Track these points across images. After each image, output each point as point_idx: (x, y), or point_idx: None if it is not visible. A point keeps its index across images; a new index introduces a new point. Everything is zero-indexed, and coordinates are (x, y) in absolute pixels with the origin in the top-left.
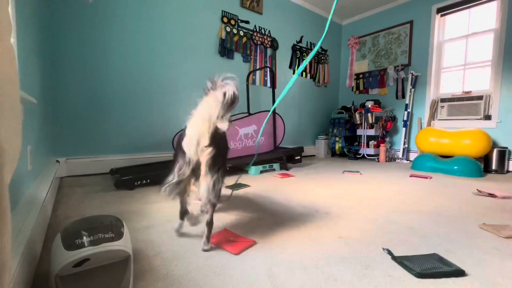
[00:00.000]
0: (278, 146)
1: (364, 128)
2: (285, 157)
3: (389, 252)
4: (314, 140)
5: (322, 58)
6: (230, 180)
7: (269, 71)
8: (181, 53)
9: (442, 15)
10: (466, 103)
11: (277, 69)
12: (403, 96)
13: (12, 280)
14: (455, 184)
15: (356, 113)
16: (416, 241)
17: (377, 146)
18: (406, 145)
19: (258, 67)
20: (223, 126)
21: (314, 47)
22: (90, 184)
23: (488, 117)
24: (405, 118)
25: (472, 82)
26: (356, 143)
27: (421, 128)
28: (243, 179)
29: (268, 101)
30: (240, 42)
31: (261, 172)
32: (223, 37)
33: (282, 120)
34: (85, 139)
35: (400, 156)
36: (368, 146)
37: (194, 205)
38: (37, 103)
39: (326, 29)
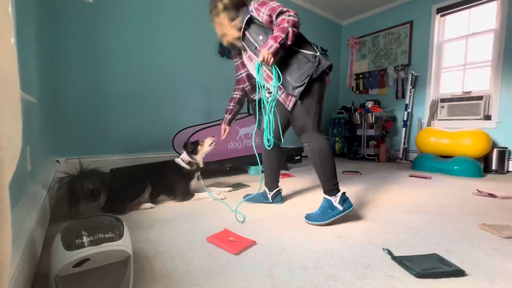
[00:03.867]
0: None
1: (364, 128)
2: (285, 157)
3: (389, 252)
4: None
5: None
6: (230, 180)
7: None
8: (181, 53)
9: (442, 15)
10: (466, 103)
11: None
12: (403, 96)
13: (12, 280)
14: (455, 184)
15: (356, 113)
16: (416, 241)
17: (377, 146)
18: (406, 145)
19: None
20: None
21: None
22: None
23: (488, 117)
24: (405, 118)
25: (472, 82)
26: (356, 143)
27: (421, 128)
28: (242, 179)
29: None
30: None
31: (261, 172)
32: None
33: None
34: (85, 139)
35: (400, 156)
36: (368, 146)
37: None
38: (37, 103)
39: None
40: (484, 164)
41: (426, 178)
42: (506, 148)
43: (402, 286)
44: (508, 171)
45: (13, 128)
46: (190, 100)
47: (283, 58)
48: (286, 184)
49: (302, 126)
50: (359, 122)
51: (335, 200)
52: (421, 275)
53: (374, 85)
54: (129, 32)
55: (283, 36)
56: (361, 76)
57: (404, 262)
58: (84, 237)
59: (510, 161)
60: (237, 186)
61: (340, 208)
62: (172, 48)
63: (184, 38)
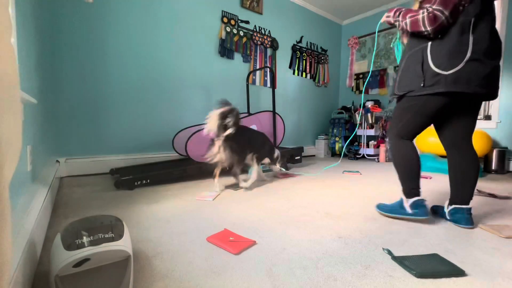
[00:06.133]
0: (278, 146)
1: (364, 128)
2: (286, 157)
3: (389, 252)
4: (314, 140)
5: (322, 58)
6: (230, 180)
7: (269, 71)
8: (181, 53)
9: None
10: None
11: (277, 69)
12: None
13: (12, 280)
14: None
15: (356, 113)
16: (416, 241)
17: (377, 146)
18: None
19: (258, 67)
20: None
21: (314, 47)
22: (90, 184)
23: (488, 117)
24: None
25: None
26: (356, 143)
27: None
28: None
29: (268, 101)
30: (240, 42)
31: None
32: (223, 37)
33: (282, 120)
34: (85, 139)
35: None
36: (368, 146)
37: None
38: (37, 103)
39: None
40: (484, 164)
41: (426, 178)
42: (506, 148)
43: (402, 286)
44: (508, 171)
45: (13, 128)
46: (190, 100)
47: (410, 49)
48: (286, 184)
49: (390, 127)
50: (359, 122)
51: (407, 202)
52: (421, 275)
53: (374, 85)
54: (129, 32)
55: (399, 18)
56: (361, 76)
57: (404, 262)
58: (84, 237)
59: (510, 161)
60: (237, 186)
61: (409, 211)
62: (172, 48)
63: (184, 38)
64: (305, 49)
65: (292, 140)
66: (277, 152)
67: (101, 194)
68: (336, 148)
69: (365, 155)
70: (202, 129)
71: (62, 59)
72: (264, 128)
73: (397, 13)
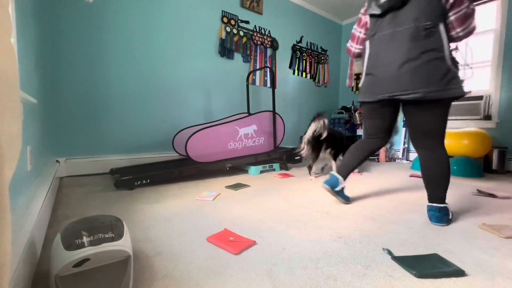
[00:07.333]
0: (278, 146)
1: None
2: (285, 157)
3: (389, 252)
4: None
5: (322, 58)
6: (230, 180)
7: (269, 71)
8: (181, 53)
9: None
10: (466, 103)
11: (277, 69)
12: None
13: (12, 280)
14: (455, 184)
15: (356, 113)
16: (416, 241)
17: None
18: (406, 145)
19: (258, 67)
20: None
21: (314, 47)
22: (90, 184)
23: (488, 117)
24: (405, 118)
25: (472, 82)
26: None
27: None
28: (242, 179)
29: (268, 101)
30: (240, 42)
31: (261, 172)
32: (223, 37)
33: (282, 120)
34: (85, 139)
35: (400, 156)
36: None
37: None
38: (37, 103)
39: None
40: (484, 164)
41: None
42: (506, 148)
43: (402, 286)
44: (508, 171)
45: (13, 128)
46: (190, 100)
47: None
48: (286, 184)
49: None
50: (359, 122)
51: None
52: (421, 275)
53: None
54: (129, 32)
55: None
56: (361, 76)
57: (404, 262)
58: (84, 237)
59: (510, 161)
60: (237, 186)
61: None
62: (172, 48)
63: (184, 38)
64: (305, 49)
65: (292, 140)
66: None
67: (101, 194)
68: None
69: None
70: (202, 129)
71: (62, 59)
72: (264, 128)
73: None
